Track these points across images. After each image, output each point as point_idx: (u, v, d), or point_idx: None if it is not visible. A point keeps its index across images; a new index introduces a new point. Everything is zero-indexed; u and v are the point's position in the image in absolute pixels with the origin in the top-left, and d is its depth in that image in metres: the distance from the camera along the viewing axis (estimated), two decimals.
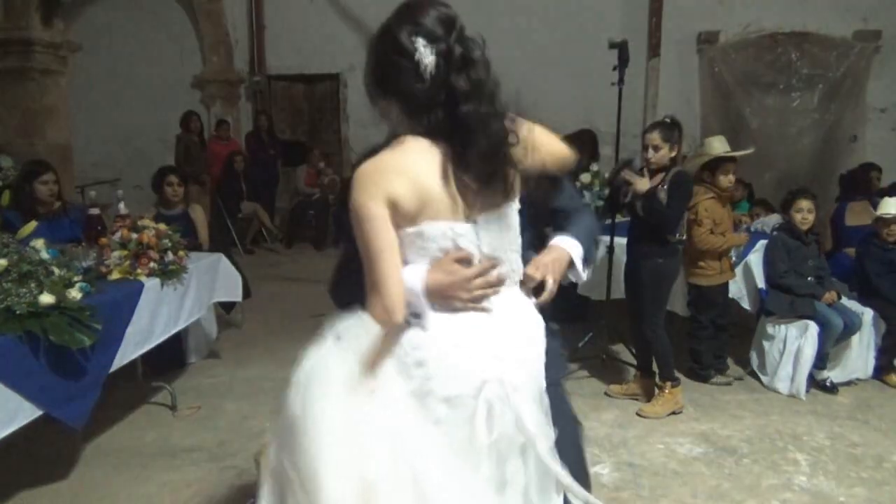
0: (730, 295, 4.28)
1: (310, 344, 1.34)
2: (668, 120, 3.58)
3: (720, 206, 3.99)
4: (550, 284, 1.52)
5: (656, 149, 3.53)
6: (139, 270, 3.30)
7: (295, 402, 1.29)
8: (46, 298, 2.58)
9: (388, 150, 1.37)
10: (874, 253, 4.24)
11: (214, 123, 8.66)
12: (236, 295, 4.25)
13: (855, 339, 4.02)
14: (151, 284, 3.31)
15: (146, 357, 3.51)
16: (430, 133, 1.36)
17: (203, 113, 8.78)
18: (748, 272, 4.38)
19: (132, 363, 3.34)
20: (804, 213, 4.05)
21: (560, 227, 1.70)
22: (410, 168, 1.34)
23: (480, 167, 1.34)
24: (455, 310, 1.38)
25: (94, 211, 3.65)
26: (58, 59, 7.53)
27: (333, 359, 1.31)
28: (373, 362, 1.33)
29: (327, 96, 9.28)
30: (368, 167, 1.35)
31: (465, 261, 1.38)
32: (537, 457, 1.41)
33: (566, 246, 1.63)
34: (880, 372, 4.15)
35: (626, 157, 4.37)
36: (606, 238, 4.17)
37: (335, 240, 8.38)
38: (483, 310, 1.40)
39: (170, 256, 3.43)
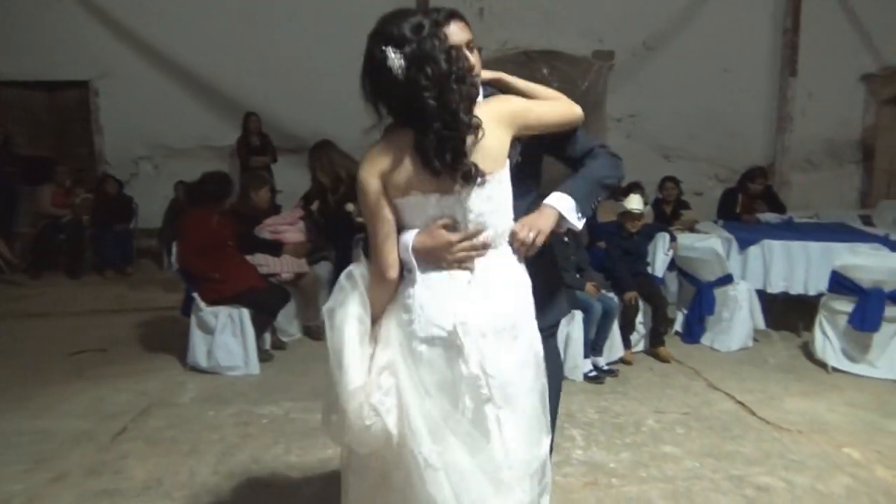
0: None
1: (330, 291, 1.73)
2: None
3: None
4: (530, 238, 1.76)
5: None
6: None
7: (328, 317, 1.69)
8: None
9: (381, 141, 1.70)
10: (615, 242, 4.84)
11: None
12: None
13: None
14: None
15: None
16: (410, 124, 1.63)
17: None
18: None
19: None
20: None
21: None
22: (394, 153, 1.65)
23: (434, 153, 1.59)
24: (441, 268, 1.69)
25: None
26: None
27: (351, 301, 1.68)
28: (375, 307, 1.70)
29: (75, 106, 8.27)
30: (368, 153, 1.69)
31: (451, 227, 1.68)
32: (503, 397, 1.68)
33: (554, 202, 1.87)
34: (651, 346, 4.76)
35: None
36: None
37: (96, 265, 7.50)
38: (467, 269, 1.69)
39: None
